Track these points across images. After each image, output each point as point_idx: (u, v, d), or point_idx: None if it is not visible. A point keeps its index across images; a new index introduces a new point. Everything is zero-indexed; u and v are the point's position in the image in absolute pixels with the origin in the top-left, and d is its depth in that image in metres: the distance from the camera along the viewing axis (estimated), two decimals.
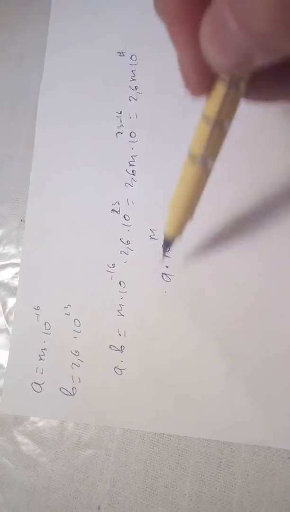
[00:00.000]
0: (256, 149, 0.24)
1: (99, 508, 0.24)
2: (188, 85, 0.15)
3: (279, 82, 0.17)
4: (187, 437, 0.23)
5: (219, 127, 0.16)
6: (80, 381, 0.25)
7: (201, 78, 0.15)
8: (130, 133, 0.28)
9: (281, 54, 0.13)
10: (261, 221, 0.24)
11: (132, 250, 0.26)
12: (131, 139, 0.28)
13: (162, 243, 0.22)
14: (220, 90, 0.15)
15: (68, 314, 0.26)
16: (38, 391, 0.26)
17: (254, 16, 0.12)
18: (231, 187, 0.25)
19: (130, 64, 0.29)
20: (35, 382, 0.26)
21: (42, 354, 0.26)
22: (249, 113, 0.19)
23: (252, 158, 0.25)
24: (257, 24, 0.12)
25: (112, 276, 0.26)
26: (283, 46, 0.13)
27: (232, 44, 0.13)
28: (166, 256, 0.23)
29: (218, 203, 0.25)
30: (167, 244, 0.22)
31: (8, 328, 0.28)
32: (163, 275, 0.25)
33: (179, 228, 0.21)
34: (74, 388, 0.25)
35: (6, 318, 0.28)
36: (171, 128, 0.27)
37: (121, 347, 0.25)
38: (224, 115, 0.15)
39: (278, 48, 0.13)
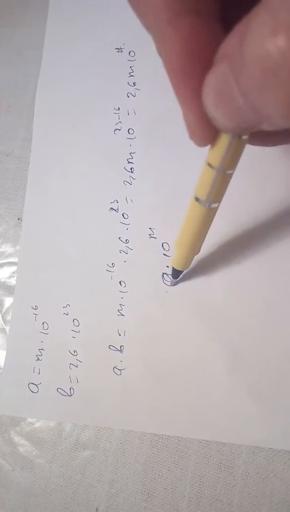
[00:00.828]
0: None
1: (97, 509, 0.24)
2: (192, 136, 0.15)
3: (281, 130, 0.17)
4: (187, 438, 0.23)
5: (223, 174, 0.16)
6: (78, 382, 0.25)
7: (205, 131, 0.15)
8: (128, 129, 0.28)
9: (286, 127, 0.13)
10: (263, 223, 0.24)
11: (131, 249, 0.26)
12: (129, 135, 0.27)
13: (171, 273, 0.24)
14: (224, 141, 0.15)
15: (67, 314, 0.26)
16: (35, 391, 0.26)
17: (267, 100, 0.11)
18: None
19: (128, 60, 0.29)
20: (32, 383, 0.26)
21: (40, 354, 0.26)
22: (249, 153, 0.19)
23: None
24: (268, 108, 0.11)
25: (112, 276, 0.25)
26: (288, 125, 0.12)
27: (237, 115, 0.13)
28: (176, 282, 0.25)
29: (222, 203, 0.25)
30: (176, 275, 0.24)
31: (5, 327, 0.27)
32: (164, 274, 0.25)
33: (187, 263, 0.23)
34: (71, 389, 0.25)
35: (3, 317, 0.28)
36: (170, 124, 0.27)
37: (120, 347, 0.25)
38: (228, 164, 0.16)
39: (284, 126, 0.13)
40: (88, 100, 0.29)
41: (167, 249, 0.25)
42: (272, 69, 0.10)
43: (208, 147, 0.16)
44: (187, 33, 0.13)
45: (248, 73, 0.11)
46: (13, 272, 0.28)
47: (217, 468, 0.22)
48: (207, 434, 0.22)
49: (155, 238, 0.25)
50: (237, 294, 0.23)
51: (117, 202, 0.26)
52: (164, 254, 0.25)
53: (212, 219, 0.19)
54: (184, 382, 0.23)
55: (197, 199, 0.18)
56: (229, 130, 0.14)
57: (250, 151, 0.19)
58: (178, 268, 0.23)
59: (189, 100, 0.14)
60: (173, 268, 0.23)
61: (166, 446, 0.23)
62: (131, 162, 0.27)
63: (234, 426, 0.22)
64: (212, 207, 0.18)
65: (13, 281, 0.28)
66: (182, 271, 0.23)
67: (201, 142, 0.15)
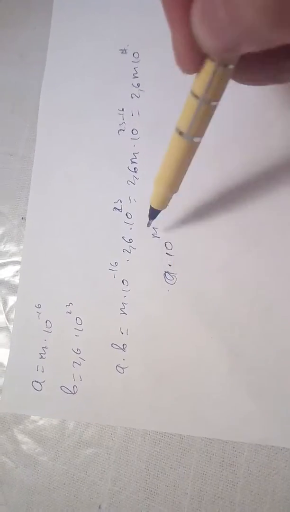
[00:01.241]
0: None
1: (100, 507, 0.24)
2: (179, 61, 0.16)
3: (268, 64, 0.18)
4: (189, 436, 0.23)
5: (206, 105, 0.16)
6: (81, 380, 0.25)
7: (192, 56, 0.15)
8: (132, 130, 0.28)
9: (268, 45, 0.13)
10: (264, 223, 0.24)
11: (134, 249, 0.26)
12: (133, 136, 0.28)
13: (148, 212, 0.23)
14: (209, 69, 0.15)
15: (70, 313, 0.26)
16: (39, 389, 0.26)
17: (244, 7, 0.12)
18: (234, 184, 0.25)
19: (132, 62, 0.29)
20: (35, 381, 0.26)
21: (43, 352, 0.26)
22: (239, 92, 0.19)
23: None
24: (246, 16, 0.12)
25: (114, 275, 0.26)
26: (270, 38, 0.13)
27: (221, 31, 0.13)
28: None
29: (223, 204, 0.25)
30: (152, 215, 0.23)
31: (8, 326, 0.28)
32: (166, 273, 0.25)
33: (164, 202, 0.22)
34: (75, 387, 0.25)
35: (7, 316, 0.28)
36: (173, 125, 0.27)
37: (123, 345, 0.25)
38: (212, 94, 0.16)
39: (265, 40, 0.13)
40: (92, 101, 0.29)
41: (169, 248, 0.25)
42: None
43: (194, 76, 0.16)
44: None
45: None
46: (17, 271, 0.28)
47: (219, 466, 0.22)
48: (209, 432, 0.23)
49: (158, 237, 0.25)
50: (238, 293, 0.24)
51: (121, 202, 0.27)
52: (166, 253, 0.25)
53: (193, 154, 0.19)
54: (186, 380, 0.23)
55: (178, 132, 0.17)
56: (212, 50, 0.14)
57: (241, 96, 0.19)
58: (155, 207, 0.22)
59: (178, 21, 0.14)
60: (150, 207, 0.23)
61: (169, 444, 0.23)
62: (134, 162, 0.27)
63: (236, 424, 0.22)
64: (194, 141, 0.18)
65: (16, 280, 0.28)
66: (159, 211, 0.23)
67: (187, 68, 0.16)
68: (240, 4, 0.12)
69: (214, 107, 0.16)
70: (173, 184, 0.21)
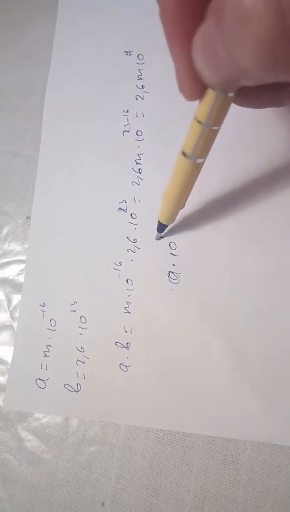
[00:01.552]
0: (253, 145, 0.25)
1: (103, 504, 0.24)
2: (182, 90, 0.17)
3: (266, 91, 0.19)
4: (192, 434, 0.23)
5: (209, 129, 0.17)
6: (84, 378, 0.25)
7: (194, 85, 0.16)
8: (137, 131, 0.28)
9: (264, 82, 0.14)
10: (267, 223, 0.24)
11: (139, 248, 0.26)
12: (137, 137, 0.28)
13: (157, 227, 0.25)
14: (210, 97, 0.16)
15: (74, 311, 0.26)
16: (42, 387, 0.26)
17: (238, 50, 0.12)
18: (236, 187, 0.25)
19: (137, 63, 0.29)
20: (39, 379, 0.26)
21: (47, 350, 0.26)
22: (242, 111, 0.20)
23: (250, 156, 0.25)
24: (240, 58, 0.13)
25: (119, 274, 0.26)
26: (264, 79, 0.14)
27: (220, 67, 0.14)
28: (161, 237, 0.26)
29: (227, 204, 0.25)
30: (161, 229, 0.25)
31: (13, 324, 0.28)
32: (170, 273, 0.25)
33: (171, 217, 0.24)
34: (78, 385, 0.25)
35: (11, 314, 0.28)
36: (177, 126, 0.27)
37: (127, 344, 0.25)
38: (213, 119, 0.17)
39: (263, 80, 0.14)
40: (97, 102, 0.29)
41: (173, 248, 0.25)
42: (244, 18, 0.11)
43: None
44: None
45: (227, 23, 0.12)
46: (21, 270, 0.28)
47: (222, 463, 0.23)
48: (212, 430, 0.23)
49: (162, 237, 0.26)
50: (241, 293, 0.24)
51: (126, 202, 0.27)
52: (171, 253, 0.25)
53: (197, 175, 0.20)
54: (189, 379, 0.24)
55: (183, 153, 0.19)
56: (213, 83, 0.15)
57: (242, 113, 0.20)
58: (163, 222, 0.24)
59: (181, 53, 0.15)
60: (158, 222, 0.24)
61: (172, 442, 0.23)
62: (139, 163, 0.27)
63: (238, 422, 0.22)
64: (197, 162, 0.19)
65: (21, 279, 0.28)
66: (167, 225, 0.24)
67: (190, 96, 0.16)
68: (235, 46, 0.12)
69: (216, 131, 0.18)
70: (180, 201, 0.22)
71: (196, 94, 0.16)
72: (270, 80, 0.14)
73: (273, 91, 0.19)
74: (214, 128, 0.17)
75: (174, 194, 0.21)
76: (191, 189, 0.21)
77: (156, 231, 0.25)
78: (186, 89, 0.16)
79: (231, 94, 0.16)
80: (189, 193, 0.22)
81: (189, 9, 0.15)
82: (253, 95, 0.18)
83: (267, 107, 0.21)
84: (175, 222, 0.26)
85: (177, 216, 0.25)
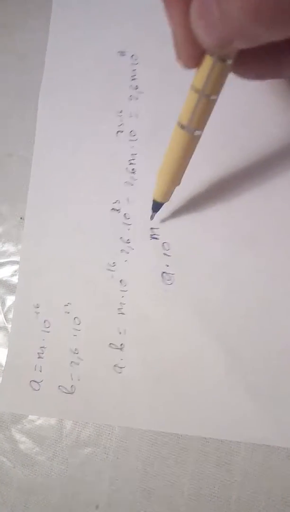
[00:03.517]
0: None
1: (97, 507, 0.24)
2: (179, 57, 0.16)
3: (267, 59, 0.18)
4: (186, 435, 0.23)
5: (206, 98, 0.17)
6: (79, 379, 0.25)
7: (191, 51, 0.16)
8: (131, 131, 0.28)
9: (259, 42, 0.14)
10: (262, 223, 0.24)
11: (132, 249, 0.26)
12: (131, 137, 0.28)
13: (151, 206, 0.24)
14: (208, 63, 0.16)
15: (68, 312, 0.26)
16: (37, 389, 0.26)
17: (230, 6, 0.13)
18: (233, 184, 0.25)
19: (131, 64, 0.29)
20: (33, 380, 0.26)
21: (41, 352, 0.26)
22: (238, 87, 0.20)
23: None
24: (233, 15, 0.13)
25: (112, 275, 0.26)
26: (258, 36, 0.14)
27: (214, 28, 0.14)
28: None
29: (221, 204, 0.25)
30: (156, 208, 0.24)
31: (6, 325, 0.28)
32: (164, 274, 0.25)
33: (167, 194, 0.23)
34: (72, 386, 0.25)
35: (5, 315, 0.28)
36: (171, 127, 0.27)
37: (121, 345, 0.25)
38: (211, 87, 0.16)
39: (254, 37, 0.14)
40: (91, 102, 0.29)
41: (167, 249, 0.25)
42: None
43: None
44: None
45: None
46: (15, 271, 0.28)
47: (216, 465, 0.22)
48: (206, 432, 0.23)
49: (156, 238, 0.26)
50: (236, 293, 0.24)
51: (119, 202, 0.27)
52: (164, 254, 0.25)
53: (194, 148, 0.19)
54: (183, 380, 0.24)
55: (180, 125, 0.18)
56: (209, 46, 0.15)
57: (239, 92, 0.20)
58: (158, 200, 0.23)
59: (178, 17, 0.15)
60: (153, 200, 0.23)
61: (166, 444, 0.23)
62: (133, 164, 0.27)
63: (232, 423, 0.22)
64: (195, 134, 0.18)
65: (15, 280, 0.28)
66: (162, 204, 0.24)
67: (187, 63, 0.16)
68: (228, 2, 0.13)
69: (214, 101, 0.17)
70: (176, 177, 0.21)
71: (193, 60, 0.16)
72: (265, 37, 0.14)
73: (272, 59, 0.18)
74: (212, 97, 0.17)
75: (170, 169, 0.20)
76: (187, 164, 0.20)
77: (151, 210, 0.24)
78: (183, 54, 0.16)
79: (229, 61, 0.15)
80: (185, 168, 0.21)
81: None
82: (252, 64, 0.18)
83: (267, 79, 0.20)
84: (169, 222, 0.26)
85: (171, 215, 0.25)
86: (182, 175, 0.21)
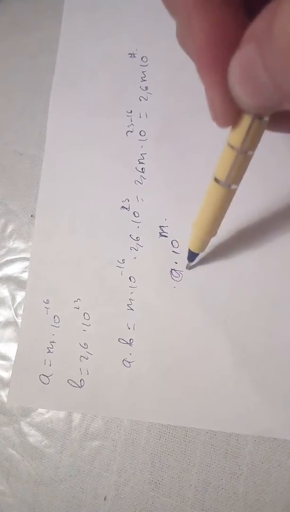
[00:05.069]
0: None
1: (105, 498, 0.24)
2: (215, 117, 0.16)
3: None
4: (194, 428, 0.24)
5: (243, 155, 0.17)
6: (88, 373, 0.26)
7: (228, 113, 0.16)
8: (140, 131, 0.29)
9: None
10: (268, 219, 0.25)
11: (141, 246, 0.26)
12: (141, 137, 0.28)
13: (187, 255, 0.24)
14: (245, 122, 0.16)
15: (78, 308, 0.27)
16: (46, 383, 0.26)
17: (284, 76, 0.12)
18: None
19: (141, 65, 0.30)
20: (43, 374, 0.26)
21: (51, 346, 0.27)
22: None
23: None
24: (286, 83, 0.12)
25: (122, 272, 0.26)
26: None
27: (261, 92, 0.14)
28: (192, 266, 0.25)
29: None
30: (191, 258, 0.24)
31: (17, 320, 0.28)
32: (172, 270, 0.25)
33: (203, 245, 0.23)
34: (82, 380, 0.26)
35: (15, 311, 0.28)
36: (180, 127, 0.28)
37: (130, 340, 0.25)
38: (249, 145, 0.16)
39: None
40: (101, 102, 0.30)
41: (176, 246, 0.26)
42: None
43: (228, 130, 0.16)
44: (215, 17, 0.14)
45: (275, 50, 0.12)
46: (26, 267, 0.29)
47: (223, 458, 0.23)
48: (213, 425, 0.23)
49: (165, 236, 0.26)
50: (243, 289, 0.24)
51: (129, 201, 0.27)
52: (173, 251, 0.26)
53: (230, 201, 0.20)
54: (191, 374, 0.24)
55: (216, 180, 0.18)
56: (252, 108, 0.15)
57: (272, 141, 0.19)
58: (194, 251, 0.23)
59: (214, 81, 0.15)
60: (189, 250, 0.24)
61: (174, 436, 0.24)
62: (142, 163, 0.28)
63: (239, 416, 0.23)
64: (231, 189, 0.18)
65: (25, 276, 0.29)
66: (198, 254, 0.24)
67: (224, 123, 0.16)
68: (282, 71, 0.12)
69: (251, 156, 0.17)
70: (212, 229, 0.21)
71: (230, 120, 0.16)
72: None
73: None
74: (249, 153, 0.17)
75: (206, 222, 0.21)
76: (224, 216, 0.21)
77: (187, 260, 0.25)
78: (221, 117, 0.16)
79: (266, 119, 0.15)
80: (222, 220, 0.21)
81: (223, 37, 0.14)
82: (287, 118, 0.18)
83: None
84: (177, 220, 0.26)
85: (181, 215, 0.26)
86: (218, 226, 0.21)
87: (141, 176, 0.28)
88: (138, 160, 0.28)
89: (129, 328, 0.26)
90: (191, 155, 0.27)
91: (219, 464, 0.23)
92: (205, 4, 0.14)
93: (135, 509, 0.24)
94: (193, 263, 0.25)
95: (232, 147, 0.17)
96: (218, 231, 0.22)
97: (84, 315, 0.27)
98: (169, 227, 0.26)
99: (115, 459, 0.25)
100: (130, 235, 0.27)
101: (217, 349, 0.24)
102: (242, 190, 0.19)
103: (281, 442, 0.22)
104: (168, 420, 0.24)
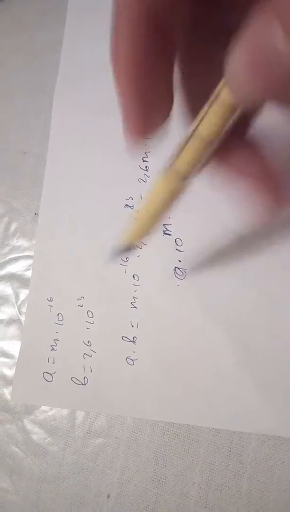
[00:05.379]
0: None
1: (108, 496, 0.24)
2: (132, 131, 0.15)
3: None
4: (197, 426, 0.24)
5: (211, 146, 0.15)
6: (91, 371, 0.26)
7: (144, 126, 0.15)
8: None
9: None
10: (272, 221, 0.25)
11: (145, 244, 0.26)
12: None
13: (119, 249, 0.21)
14: (218, 112, 0.14)
15: (81, 306, 0.27)
16: (50, 380, 0.26)
17: None
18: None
19: None
20: (46, 372, 0.27)
21: (54, 344, 0.27)
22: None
23: None
24: None
25: (125, 270, 0.26)
26: None
27: (277, 67, 0.12)
28: (123, 260, 0.24)
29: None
30: (125, 250, 0.21)
31: (20, 318, 0.28)
32: (176, 268, 0.26)
33: (139, 241, 0.20)
34: (85, 378, 0.26)
35: (19, 309, 0.28)
36: (183, 126, 0.28)
37: (133, 338, 0.25)
38: (216, 134, 0.15)
39: None
40: (104, 101, 0.30)
41: (180, 245, 0.26)
42: None
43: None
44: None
45: None
46: (29, 265, 0.29)
47: (227, 456, 0.23)
48: (217, 423, 0.23)
49: (168, 234, 0.26)
50: (245, 288, 0.24)
51: (132, 199, 0.27)
52: (177, 249, 0.26)
53: (179, 196, 0.17)
54: (194, 372, 0.24)
55: (176, 172, 0.17)
56: (254, 95, 0.13)
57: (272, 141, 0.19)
58: (128, 243, 0.20)
59: (130, 85, 0.14)
60: (122, 245, 0.20)
61: (177, 434, 0.24)
62: (146, 161, 0.28)
63: (243, 415, 0.23)
64: (188, 183, 0.17)
65: (28, 274, 0.29)
66: (131, 249, 0.20)
67: (140, 136, 0.15)
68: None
69: (215, 147, 0.16)
70: (155, 226, 0.19)
71: (147, 134, 0.15)
72: None
73: None
74: (214, 144, 0.15)
75: (151, 218, 0.18)
76: (165, 215, 0.18)
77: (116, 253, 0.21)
78: (137, 130, 0.15)
79: (238, 110, 0.14)
80: (167, 217, 0.18)
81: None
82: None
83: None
84: (180, 218, 0.26)
85: (184, 216, 0.26)
86: (158, 225, 0.19)
87: (144, 174, 0.28)
88: (142, 158, 0.28)
89: (132, 326, 0.26)
90: None
91: (222, 462, 0.23)
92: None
93: (139, 506, 0.24)
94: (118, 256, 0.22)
95: (200, 138, 0.15)
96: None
97: (87, 313, 0.27)
98: (172, 225, 0.26)
99: (118, 456, 0.25)
100: None
101: (220, 347, 0.24)
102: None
103: (284, 440, 0.22)
104: (171, 418, 0.24)
